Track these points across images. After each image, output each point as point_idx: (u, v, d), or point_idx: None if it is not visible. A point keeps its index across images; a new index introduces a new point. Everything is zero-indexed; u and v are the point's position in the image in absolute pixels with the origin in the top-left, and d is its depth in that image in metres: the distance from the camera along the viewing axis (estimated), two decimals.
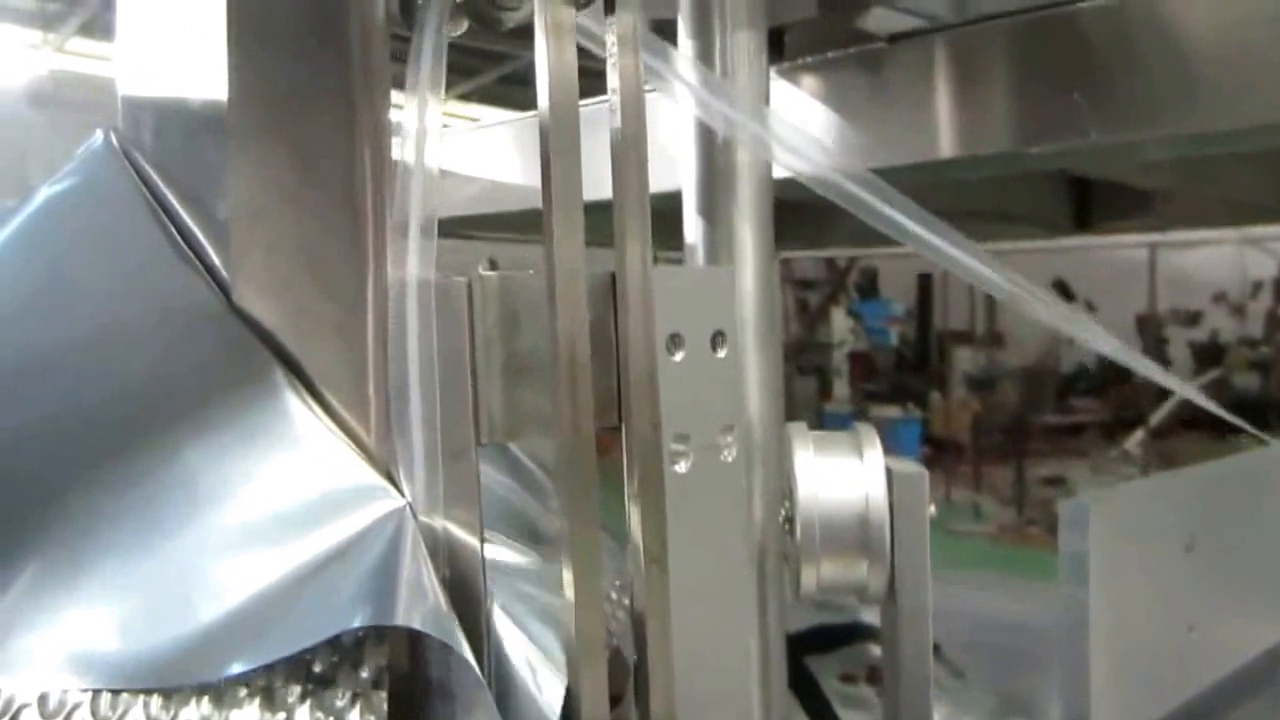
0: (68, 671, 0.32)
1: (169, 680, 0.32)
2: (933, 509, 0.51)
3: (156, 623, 0.33)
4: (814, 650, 0.90)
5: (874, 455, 0.51)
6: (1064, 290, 5.28)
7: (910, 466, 0.51)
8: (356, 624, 0.32)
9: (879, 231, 0.51)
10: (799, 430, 0.52)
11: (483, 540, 0.35)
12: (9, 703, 0.31)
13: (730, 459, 0.40)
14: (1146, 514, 0.70)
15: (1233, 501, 0.79)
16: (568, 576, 0.34)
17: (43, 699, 0.31)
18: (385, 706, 0.33)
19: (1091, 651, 0.65)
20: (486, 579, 0.35)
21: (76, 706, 0.31)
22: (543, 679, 0.35)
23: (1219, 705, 0.84)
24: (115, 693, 0.32)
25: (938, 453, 4.85)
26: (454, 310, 0.34)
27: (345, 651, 0.34)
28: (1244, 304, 5.01)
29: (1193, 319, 5.24)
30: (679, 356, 0.38)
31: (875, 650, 0.93)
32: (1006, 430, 4.83)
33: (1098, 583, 0.64)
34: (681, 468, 0.39)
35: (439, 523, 0.35)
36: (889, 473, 0.50)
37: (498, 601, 0.36)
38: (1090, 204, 1.15)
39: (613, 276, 0.36)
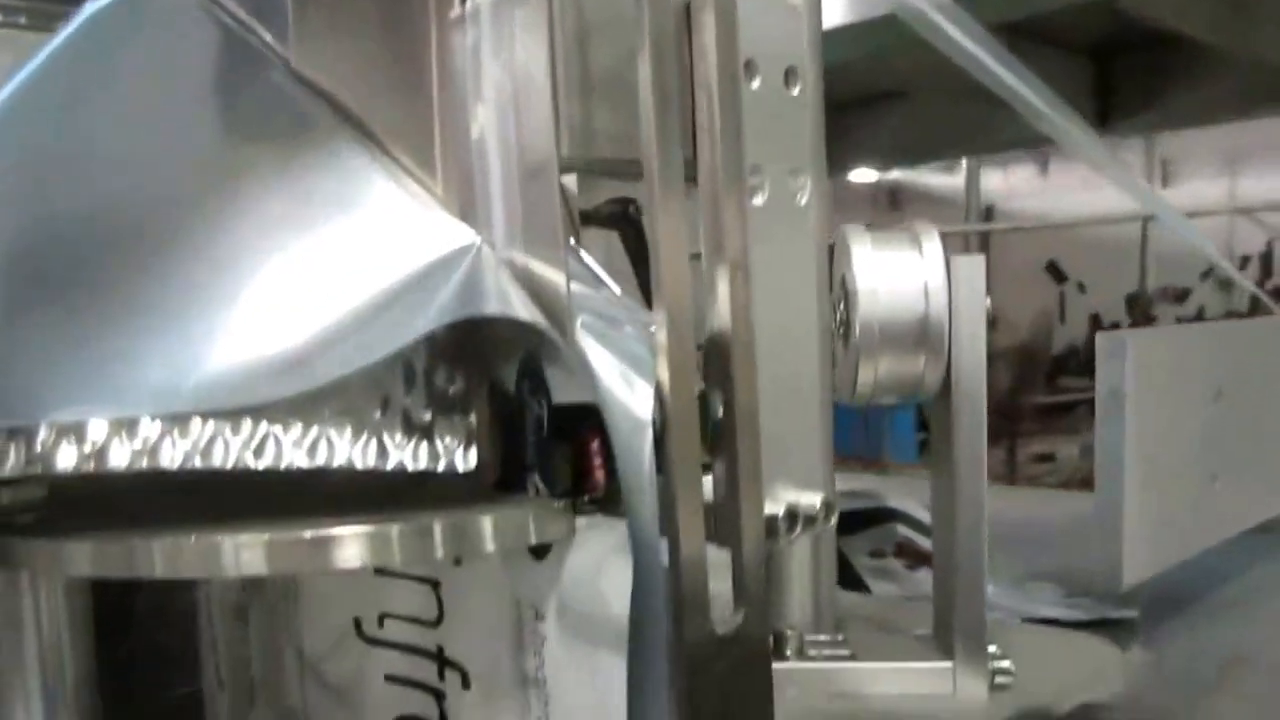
0: (150, 399, 0.32)
1: (250, 399, 0.32)
2: (989, 302, 0.52)
3: (237, 347, 0.33)
4: (843, 532, 0.90)
5: (932, 247, 0.51)
6: (1056, 271, 5.29)
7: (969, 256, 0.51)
8: (448, 319, 0.32)
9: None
10: (855, 230, 0.52)
11: (567, 269, 0.35)
12: (81, 428, 0.31)
13: (803, 203, 0.41)
14: (1178, 357, 0.71)
15: (1261, 359, 0.80)
16: (656, 278, 0.34)
17: (120, 425, 0.31)
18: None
19: (1125, 490, 0.65)
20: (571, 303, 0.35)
21: (164, 435, 0.32)
22: (637, 388, 0.35)
23: (1239, 559, 0.85)
24: (203, 417, 0.32)
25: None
26: (534, 19, 0.34)
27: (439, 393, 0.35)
28: (1230, 280, 5.01)
29: (1180, 296, 5.24)
30: (755, 84, 0.38)
31: (901, 530, 0.94)
32: (998, 410, 4.82)
33: (1132, 420, 0.65)
34: (758, 200, 0.39)
35: (519, 256, 0.35)
36: (948, 263, 0.51)
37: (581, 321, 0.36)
38: (1112, 98, 1.15)
39: None
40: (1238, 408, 0.76)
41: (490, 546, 0.34)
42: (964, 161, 4.90)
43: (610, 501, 0.34)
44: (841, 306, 0.53)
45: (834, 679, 0.54)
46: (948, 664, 0.54)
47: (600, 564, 0.34)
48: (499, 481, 0.38)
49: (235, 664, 0.48)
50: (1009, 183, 5.40)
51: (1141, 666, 0.62)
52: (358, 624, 0.41)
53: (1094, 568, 0.68)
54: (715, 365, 0.36)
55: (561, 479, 0.35)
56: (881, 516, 0.94)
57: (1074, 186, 4.81)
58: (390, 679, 0.40)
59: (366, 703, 0.41)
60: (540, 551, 0.36)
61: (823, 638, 0.57)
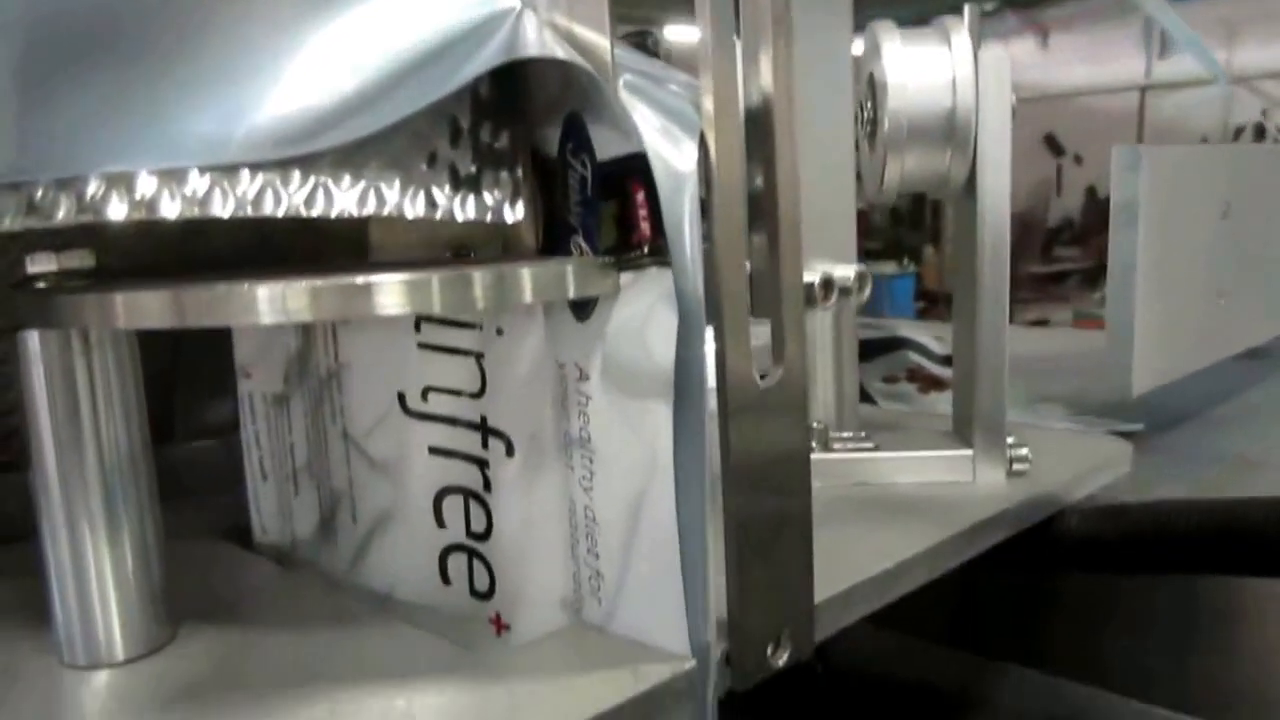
0: (198, 151, 0.31)
1: (299, 149, 0.31)
2: (1014, 98, 0.51)
3: (285, 100, 0.32)
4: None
5: (961, 41, 0.50)
6: (1054, 144, 5.22)
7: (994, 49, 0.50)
8: (491, 65, 0.31)
9: None
10: (884, 25, 0.51)
11: (610, 28, 0.34)
12: (130, 180, 0.31)
13: None
14: (1189, 173, 0.70)
15: (1268, 181, 0.79)
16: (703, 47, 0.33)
17: (170, 176, 0.31)
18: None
19: (1137, 298, 0.65)
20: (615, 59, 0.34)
21: (214, 186, 0.31)
22: (680, 143, 0.34)
23: (1236, 382, 0.85)
24: (252, 169, 0.31)
25: (930, 305, 4.85)
26: None
27: (484, 148, 0.34)
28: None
29: None
30: None
31: (913, 356, 0.94)
32: None
33: (1144, 230, 0.64)
34: None
35: (562, 18, 0.34)
36: (976, 57, 0.50)
37: (624, 80, 0.35)
38: None
39: None
40: (1244, 227, 0.75)
41: (529, 297, 0.33)
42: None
43: (657, 251, 0.34)
44: (869, 103, 0.52)
45: (858, 469, 0.55)
46: (968, 452, 0.54)
47: (645, 318, 0.34)
48: (542, 248, 0.38)
49: (278, 454, 0.48)
50: (1009, 55, 5.29)
51: (1149, 465, 0.63)
52: (402, 399, 0.41)
53: (1102, 385, 0.68)
54: (757, 138, 0.36)
55: (605, 237, 0.35)
56: (894, 345, 0.95)
57: (1073, 59, 4.71)
58: (434, 451, 0.40)
59: (411, 476, 0.41)
60: (583, 312, 0.36)
61: (846, 434, 0.57)
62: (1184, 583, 0.58)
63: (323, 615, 0.42)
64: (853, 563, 0.43)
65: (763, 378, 0.35)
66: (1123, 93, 4.41)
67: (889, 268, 5.15)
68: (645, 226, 0.33)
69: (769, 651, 0.38)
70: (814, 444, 0.55)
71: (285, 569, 0.48)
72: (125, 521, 0.37)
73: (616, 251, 0.35)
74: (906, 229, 6.05)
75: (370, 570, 0.44)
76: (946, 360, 0.88)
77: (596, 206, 0.35)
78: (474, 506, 0.39)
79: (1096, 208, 4.89)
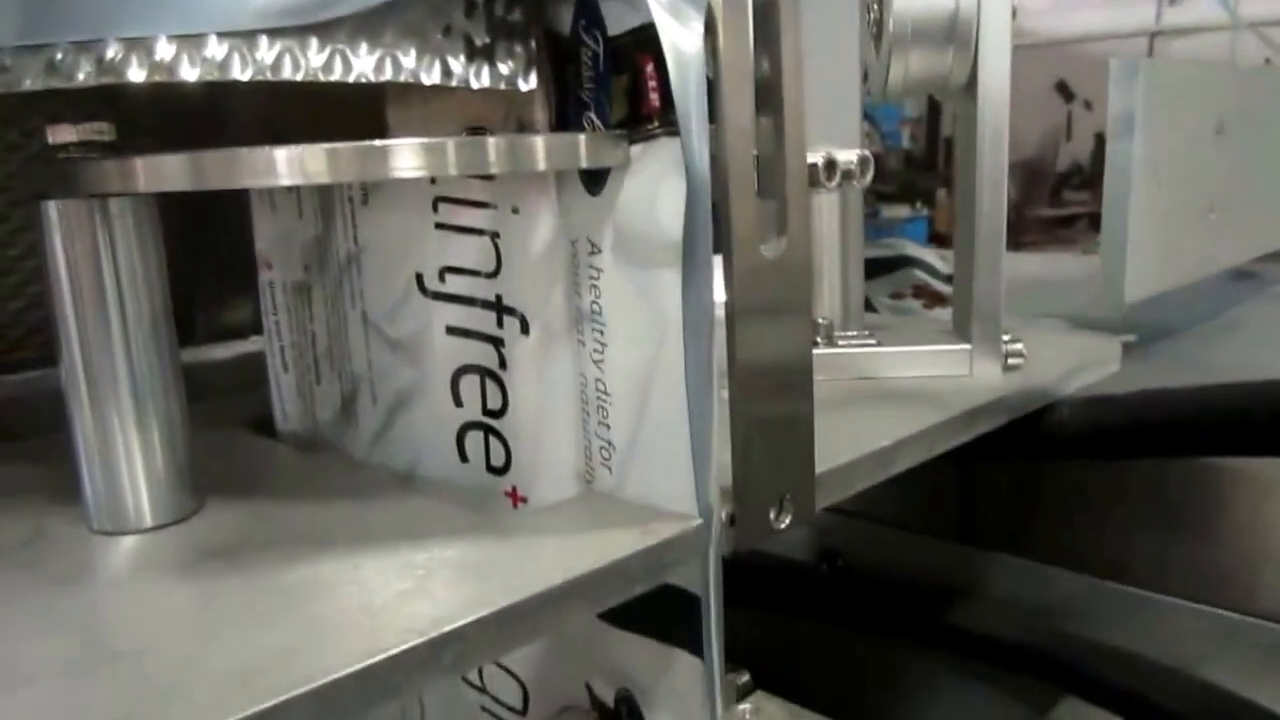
0: (216, 18, 0.31)
1: (316, 16, 0.32)
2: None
3: None
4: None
5: None
6: (1065, 90, 5.16)
7: None
8: None
9: None
10: None
11: None
12: (149, 45, 0.31)
13: None
14: (1185, 88, 0.70)
15: (1261, 102, 0.79)
16: None
17: (188, 41, 0.31)
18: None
19: (1130, 208, 0.65)
20: None
21: (232, 51, 0.31)
22: (688, 18, 0.34)
23: (1222, 300, 0.85)
24: (270, 35, 0.31)
25: (942, 247, 4.84)
26: None
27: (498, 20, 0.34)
28: None
29: None
30: None
31: (918, 273, 0.94)
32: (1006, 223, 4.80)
33: (1139, 141, 0.64)
34: None
35: None
36: None
37: None
38: None
39: None
40: (1236, 145, 0.75)
41: (542, 164, 0.34)
42: None
43: (667, 123, 0.34)
44: (875, 4, 0.52)
45: (861, 363, 0.55)
46: (966, 347, 0.55)
47: (655, 188, 0.35)
48: (555, 124, 0.38)
49: (299, 343, 0.49)
50: (1020, 1, 5.23)
51: (1140, 372, 0.63)
52: (420, 280, 0.41)
53: (1097, 299, 0.68)
54: (763, 26, 0.36)
55: (616, 111, 0.35)
56: (900, 263, 0.95)
57: (1084, 5, 4.65)
58: (451, 331, 0.41)
59: (430, 356, 0.42)
60: (595, 185, 0.37)
61: (851, 333, 0.58)
62: (1163, 473, 0.59)
63: (345, 490, 0.43)
64: (853, 441, 0.44)
65: (768, 252, 0.35)
66: (1132, 39, 4.35)
67: (902, 211, 5.12)
68: (654, 98, 0.34)
69: (772, 515, 0.39)
70: (819, 339, 0.55)
71: (307, 452, 0.49)
72: (150, 388, 0.38)
73: (627, 125, 0.35)
74: (919, 172, 6.01)
75: (390, 450, 0.44)
76: (951, 279, 0.89)
77: (608, 81, 0.35)
78: (490, 385, 0.40)
79: (1105, 154, 4.85)
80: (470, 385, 0.40)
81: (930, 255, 0.94)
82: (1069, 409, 0.54)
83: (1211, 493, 0.56)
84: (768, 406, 0.37)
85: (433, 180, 0.37)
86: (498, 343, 0.39)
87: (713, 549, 0.36)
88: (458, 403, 0.41)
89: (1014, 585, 0.64)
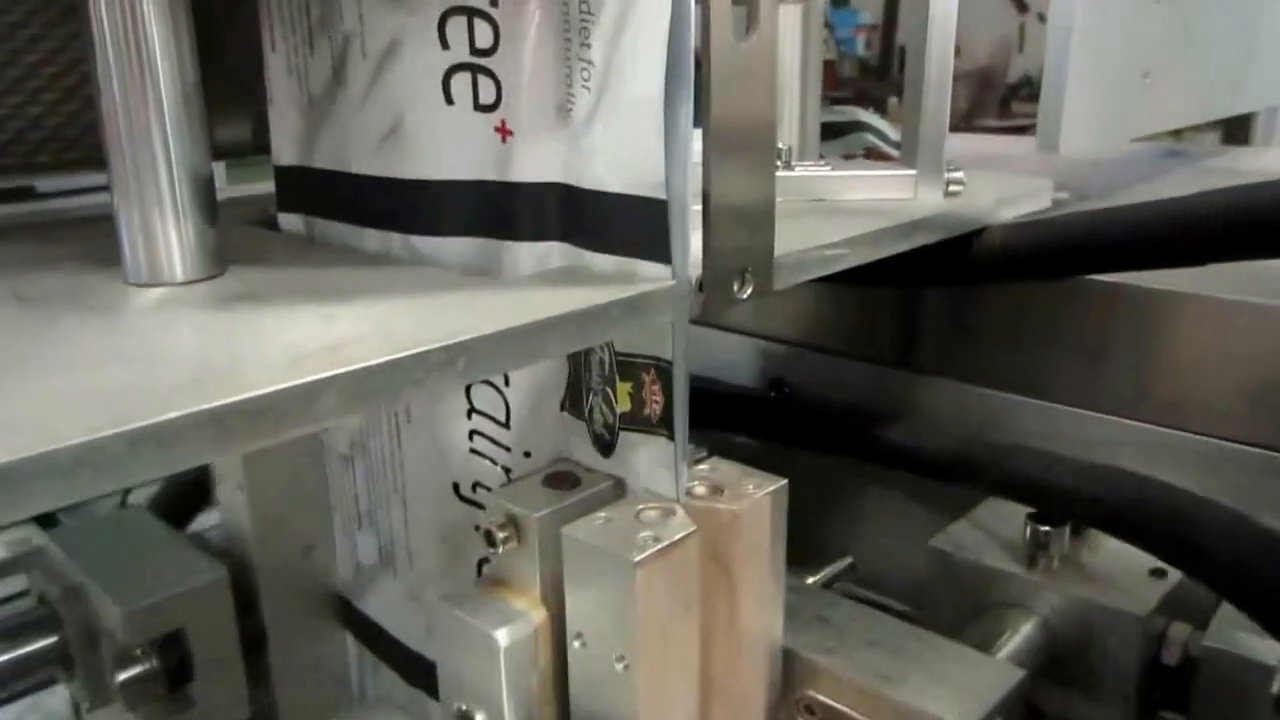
0: None
1: None
2: None
3: None
4: None
5: None
6: (1019, 1, 5.17)
7: None
8: None
9: None
10: None
11: None
12: None
13: None
14: None
15: None
16: None
17: None
18: None
19: (1070, 61, 0.69)
20: None
21: None
22: None
23: (1151, 170, 0.91)
24: None
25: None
26: None
27: None
28: None
29: None
30: None
31: (869, 137, 0.99)
32: (954, 129, 4.84)
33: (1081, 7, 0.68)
34: None
35: None
36: None
37: None
38: None
39: None
40: (1174, 11, 0.80)
41: None
42: None
43: None
44: None
45: (814, 186, 0.60)
46: (911, 172, 0.59)
47: None
48: None
49: (289, 18, 0.52)
50: None
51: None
52: None
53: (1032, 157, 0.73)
54: None
55: None
56: (853, 127, 0.99)
57: None
58: None
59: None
60: None
61: (807, 160, 0.62)
62: (1090, 296, 0.64)
63: (353, 262, 0.48)
64: (808, 237, 0.49)
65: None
66: None
67: None
68: None
69: (735, 286, 0.44)
70: (777, 164, 0.60)
71: (308, 243, 0.53)
72: (183, 148, 0.41)
73: None
74: (873, 80, 6.01)
75: (377, 107, 0.47)
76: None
77: None
78: (479, 24, 0.42)
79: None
80: (457, 26, 0.43)
81: (881, 122, 0.99)
82: (1000, 232, 0.59)
83: (1128, 312, 0.62)
84: (735, 180, 0.42)
85: None
86: None
87: (686, 307, 0.41)
88: (445, 45, 0.43)
89: (946, 406, 0.70)
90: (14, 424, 0.27)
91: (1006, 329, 0.68)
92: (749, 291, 0.44)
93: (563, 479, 0.48)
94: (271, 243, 0.54)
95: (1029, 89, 5.62)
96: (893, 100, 5.61)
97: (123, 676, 0.58)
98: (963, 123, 4.91)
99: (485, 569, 0.52)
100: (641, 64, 0.39)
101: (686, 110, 0.39)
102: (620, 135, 0.40)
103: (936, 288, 0.70)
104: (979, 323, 0.69)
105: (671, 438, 0.44)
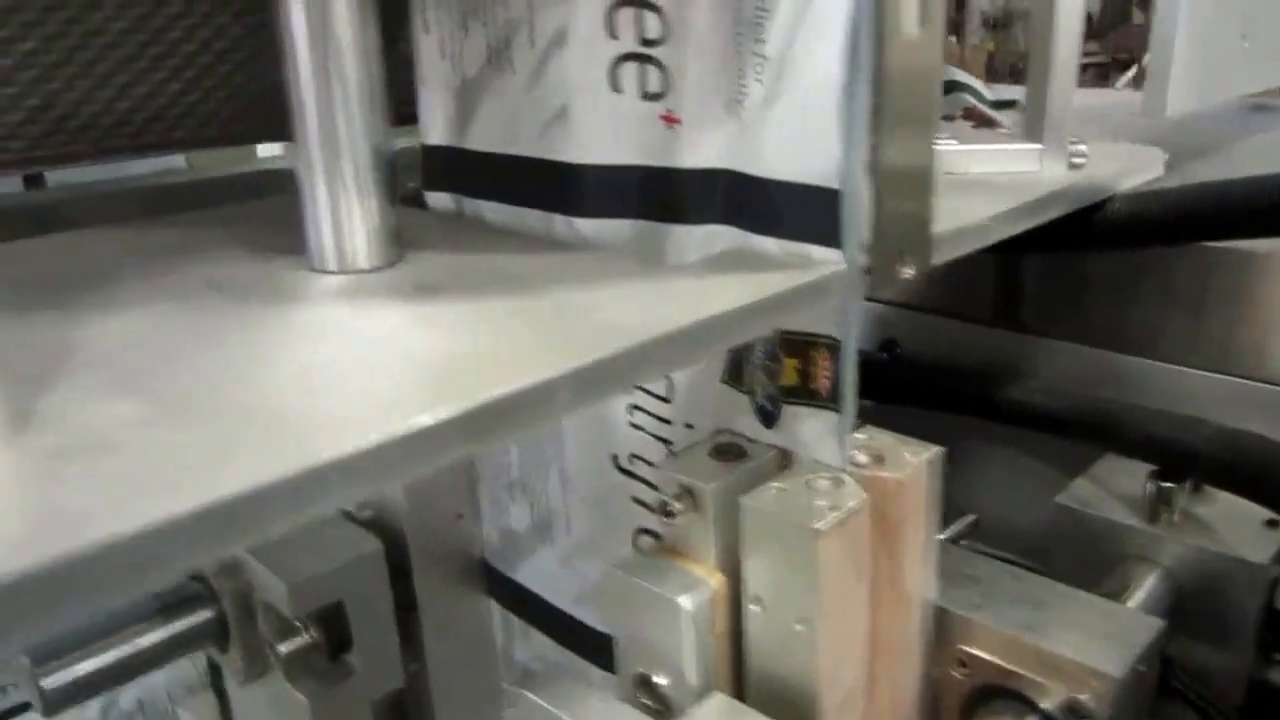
0: None
1: None
2: None
3: None
4: None
5: None
6: None
7: None
8: None
9: None
10: None
11: None
12: None
13: None
14: None
15: None
16: None
17: None
18: None
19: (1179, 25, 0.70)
20: None
21: None
22: None
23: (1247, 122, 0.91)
24: None
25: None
26: None
27: None
28: None
29: None
30: None
31: (967, 97, 0.99)
32: (1015, 71, 4.78)
33: None
34: None
35: None
36: None
37: None
38: None
39: None
40: None
41: None
42: None
43: None
44: None
45: (944, 160, 0.61)
46: (1037, 147, 0.61)
47: None
48: None
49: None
50: None
51: (1174, 179, 0.70)
52: None
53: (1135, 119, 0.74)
54: None
55: None
56: (950, 88, 1.00)
57: None
58: None
59: None
60: None
61: None
62: (1197, 258, 0.66)
63: (522, 245, 0.49)
64: (954, 214, 0.51)
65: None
66: None
67: None
68: None
69: (898, 266, 0.46)
70: None
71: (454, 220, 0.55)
72: (369, 141, 0.43)
73: None
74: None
75: (545, 88, 0.48)
76: (997, 104, 0.94)
77: None
78: (648, 16, 0.43)
79: (1114, 3, 4.82)
80: (627, 17, 0.43)
81: (976, 81, 0.99)
82: (1125, 201, 0.61)
83: (1236, 274, 0.64)
84: (902, 166, 0.44)
85: None
86: None
87: (857, 290, 0.43)
88: (613, 35, 0.44)
89: (1053, 364, 0.72)
90: (314, 422, 0.29)
91: (1107, 287, 0.69)
92: (911, 270, 0.46)
93: (728, 450, 0.50)
94: (425, 223, 0.55)
95: (1089, 26, 5.56)
96: (952, 40, 5.56)
97: (286, 649, 0.60)
98: (1021, 62, 4.84)
99: (641, 538, 0.54)
100: (819, 59, 0.41)
101: (862, 103, 0.41)
102: (796, 126, 0.42)
103: (1043, 252, 0.72)
104: (1080, 282, 0.71)
105: (839, 410, 0.46)
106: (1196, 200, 0.58)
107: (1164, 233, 0.60)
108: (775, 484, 0.47)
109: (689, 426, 0.53)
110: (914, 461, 0.48)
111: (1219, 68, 0.78)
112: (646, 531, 0.55)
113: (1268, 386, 0.63)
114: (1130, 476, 0.65)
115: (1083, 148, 0.61)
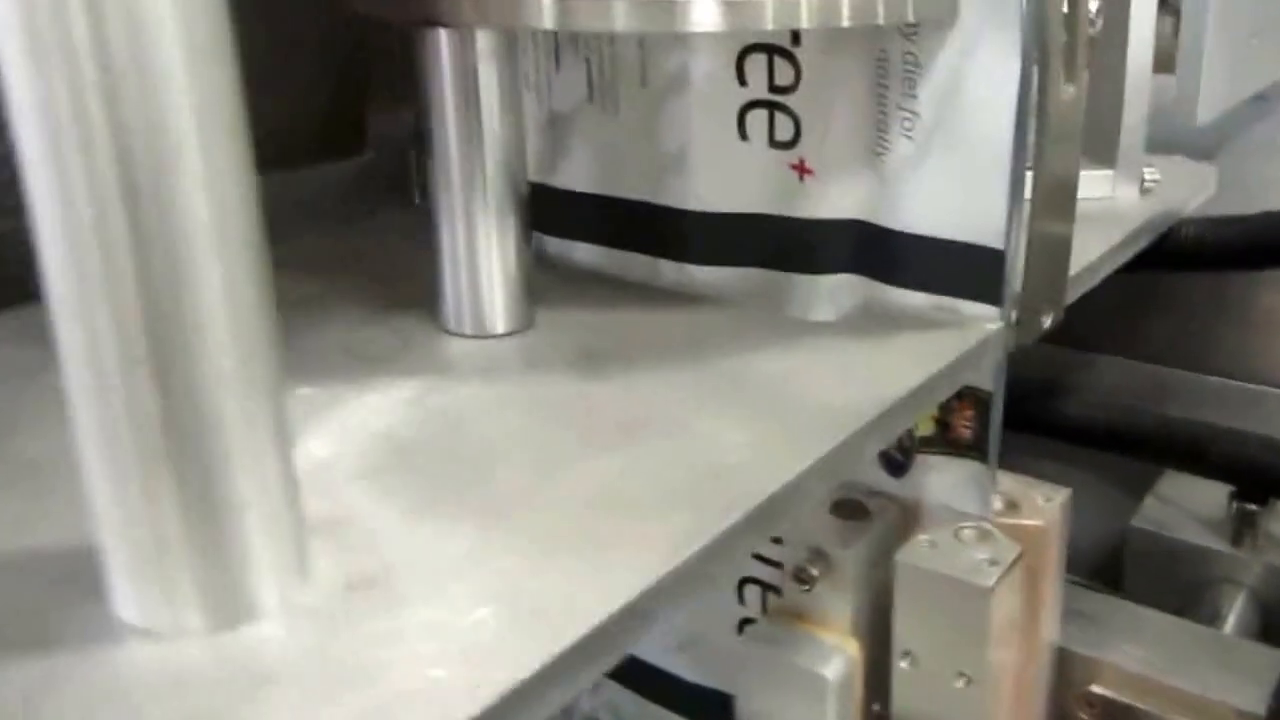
0: None
1: None
2: None
3: None
4: None
5: None
6: None
7: None
8: None
9: None
10: None
11: None
12: None
13: None
14: None
15: None
16: None
17: None
18: None
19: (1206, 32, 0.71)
20: None
21: None
22: None
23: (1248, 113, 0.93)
24: None
25: None
26: None
27: None
28: None
29: None
30: None
31: None
32: None
33: None
34: None
35: None
36: None
37: None
38: None
39: None
40: None
41: None
42: None
43: None
44: None
45: None
46: (1109, 171, 0.61)
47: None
48: None
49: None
50: None
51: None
52: None
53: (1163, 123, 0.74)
54: None
55: None
56: None
57: None
58: None
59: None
60: None
61: None
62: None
63: (641, 297, 0.47)
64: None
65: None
66: None
67: None
68: None
69: (1042, 318, 0.46)
70: None
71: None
72: (509, 209, 0.41)
73: None
74: None
75: (659, 131, 0.46)
76: None
77: None
78: (779, 62, 0.42)
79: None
80: (756, 63, 0.43)
81: None
82: (1196, 225, 0.61)
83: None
84: (1053, 223, 0.44)
85: None
86: None
87: (1005, 348, 0.43)
88: (742, 82, 0.43)
89: (1113, 380, 0.72)
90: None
91: (1161, 307, 0.70)
92: (1049, 319, 0.46)
93: (848, 507, 0.50)
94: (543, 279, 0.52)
95: None
96: None
97: None
98: None
99: (769, 597, 0.53)
100: (988, 120, 0.40)
101: (1023, 163, 0.41)
102: (955, 183, 0.41)
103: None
104: (1138, 300, 0.71)
105: (984, 460, 0.46)
106: (1268, 229, 0.59)
107: (1243, 259, 0.61)
108: (925, 537, 0.46)
109: None
110: (1049, 507, 0.48)
111: (1238, 70, 0.80)
112: (752, 580, 0.54)
113: None
114: (1198, 495, 0.66)
115: (1153, 170, 0.61)
